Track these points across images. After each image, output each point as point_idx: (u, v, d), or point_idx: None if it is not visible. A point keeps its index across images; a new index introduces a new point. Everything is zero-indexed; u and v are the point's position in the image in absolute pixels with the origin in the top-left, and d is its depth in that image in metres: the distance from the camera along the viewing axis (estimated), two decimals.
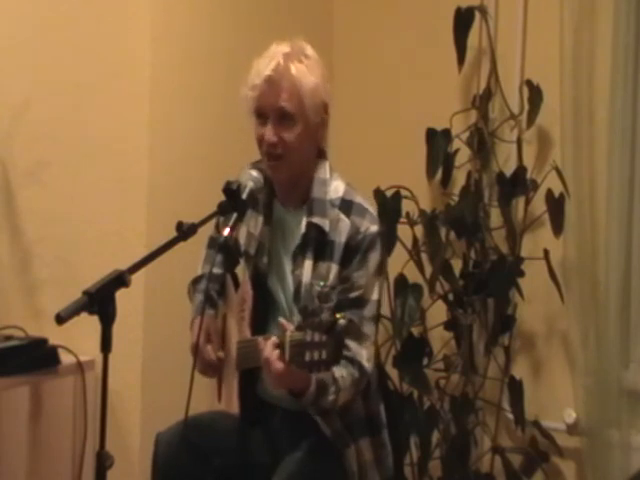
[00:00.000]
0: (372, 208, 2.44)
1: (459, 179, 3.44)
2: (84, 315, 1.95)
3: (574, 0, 3.20)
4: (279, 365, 2.15)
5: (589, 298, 3.20)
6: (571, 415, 3.27)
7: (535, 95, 3.30)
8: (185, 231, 2.17)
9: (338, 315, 2.09)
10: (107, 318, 1.96)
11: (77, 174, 3.20)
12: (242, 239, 2.54)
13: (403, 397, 3.31)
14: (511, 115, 3.35)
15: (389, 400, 2.58)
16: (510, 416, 3.33)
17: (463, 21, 3.31)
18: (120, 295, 1.98)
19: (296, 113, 2.32)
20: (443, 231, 3.35)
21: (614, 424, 3.18)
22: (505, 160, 3.40)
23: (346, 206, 2.39)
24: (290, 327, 2.15)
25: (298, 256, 2.40)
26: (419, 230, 3.36)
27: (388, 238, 3.12)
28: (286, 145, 2.34)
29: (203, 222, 2.26)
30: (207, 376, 2.52)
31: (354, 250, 2.35)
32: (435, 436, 3.31)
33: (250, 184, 2.36)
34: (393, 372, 3.29)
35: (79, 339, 2.88)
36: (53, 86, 3.21)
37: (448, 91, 3.51)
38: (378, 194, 3.26)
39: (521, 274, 3.27)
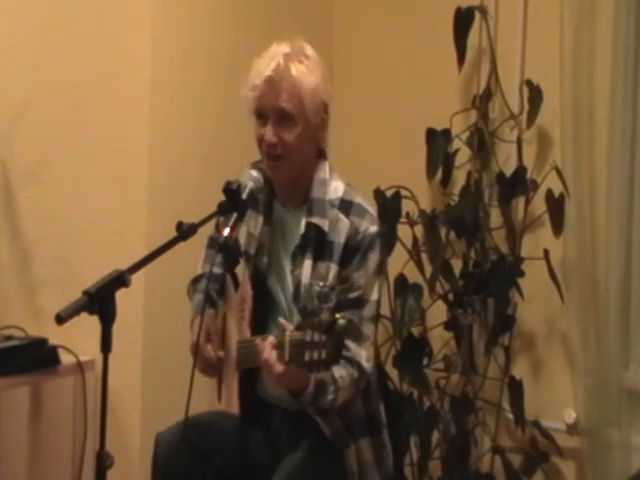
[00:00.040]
0: (372, 208, 2.44)
1: (459, 179, 3.44)
2: (84, 315, 1.95)
3: (574, 0, 3.20)
4: (279, 366, 2.15)
5: (589, 298, 3.20)
6: (571, 415, 3.27)
7: (535, 95, 3.30)
8: (185, 231, 2.17)
9: (338, 315, 2.09)
10: (107, 318, 1.96)
11: (77, 174, 3.20)
12: (242, 239, 2.54)
13: (403, 397, 3.31)
14: (511, 115, 3.35)
15: (389, 400, 2.58)
16: (510, 416, 3.33)
17: (463, 21, 3.31)
18: (120, 295, 1.98)
19: (296, 113, 2.32)
20: (443, 231, 3.35)
21: (614, 424, 3.18)
22: (505, 160, 3.41)
23: (345, 206, 2.39)
24: (290, 327, 2.15)
25: (297, 256, 2.40)
26: (419, 230, 3.36)
27: (388, 238, 3.12)
28: (286, 145, 2.34)
29: (203, 222, 2.26)
30: (207, 375, 2.52)
31: (353, 250, 2.35)
32: (435, 436, 3.31)
33: (250, 184, 2.36)
34: (393, 372, 3.29)
35: (79, 339, 2.88)
36: (53, 86, 3.21)
37: (448, 91, 3.51)
38: (378, 194, 3.26)
39: (521, 274, 3.27)
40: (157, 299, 3.11)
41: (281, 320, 2.26)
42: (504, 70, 3.39)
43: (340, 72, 3.50)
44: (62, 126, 3.20)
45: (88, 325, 2.05)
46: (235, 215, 2.30)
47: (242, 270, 2.58)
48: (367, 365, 2.33)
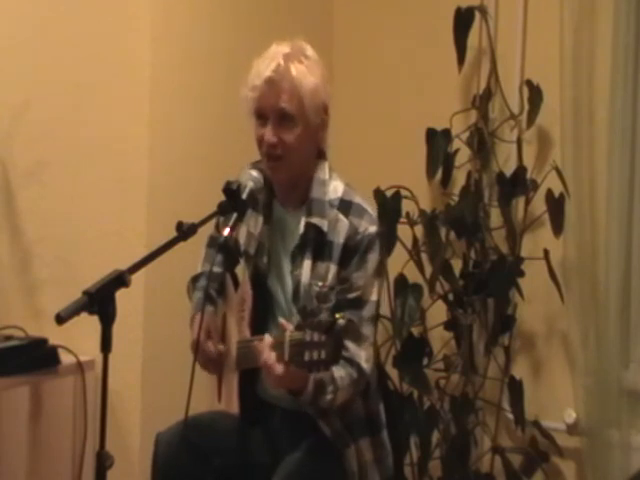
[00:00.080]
0: (371, 208, 2.43)
1: (459, 179, 3.44)
2: (84, 315, 1.95)
3: (574, 0, 3.20)
4: (279, 368, 2.15)
5: (589, 298, 3.20)
6: (571, 415, 3.27)
7: (535, 95, 3.30)
8: (185, 231, 2.18)
9: (337, 315, 2.09)
10: (107, 318, 1.96)
11: (77, 174, 3.20)
12: (242, 239, 2.54)
13: (403, 397, 3.31)
14: (511, 115, 3.35)
15: (389, 400, 2.58)
16: (510, 416, 3.33)
17: (463, 21, 3.31)
18: (120, 295, 1.98)
19: (296, 114, 2.32)
20: (443, 231, 3.35)
21: (614, 424, 3.18)
22: (505, 160, 3.40)
23: (345, 206, 2.39)
24: (290, 327, 2.15)
25: (297, 256, 2.40)
26: (419, 230, 3.36)
27: (388, 238, 3.13)
28: (286, 146, 2.34)
29: (203, 222, 2.26)
30: (208, 371, 2.51)
31: (353, 251, 2.35)
32: (435, 436, 3.31)
33: (250, 184, 2.36)
34: (393, 372, 3.29)
35: (79, 339, 2.88)
36: (53, 86, 3.21)
37: (448, 91, 3.51)
38: (378, 194, 3.26)
39: (521, 274, 3.27)
40: (157, 299, 3.11)
41: (281, 320, 2.26)
42: (504, 70, 3.39)
43: (340, 72, 3.50)
44: (62, 126, 3.21)
45: (88, 325, 2.05)
46: (235, 215, 2.30)
47: (242, 270, 2.58)
48: (366, 366, 2.33)
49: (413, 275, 3.33)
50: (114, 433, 2.51)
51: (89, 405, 3.03)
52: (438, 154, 3.37)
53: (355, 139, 3.62)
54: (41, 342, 3.02)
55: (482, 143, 3.35)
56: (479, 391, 3.36)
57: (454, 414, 3.28)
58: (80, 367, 3.02)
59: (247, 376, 2.42)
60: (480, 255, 3.33)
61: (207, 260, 2.66)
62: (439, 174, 3.42)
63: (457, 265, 3.35)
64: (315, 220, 2.37)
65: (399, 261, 3.31)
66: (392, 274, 3.29)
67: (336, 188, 2.42)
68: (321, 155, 2.45)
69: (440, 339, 3.43)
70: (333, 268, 2.36)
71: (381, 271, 2.44)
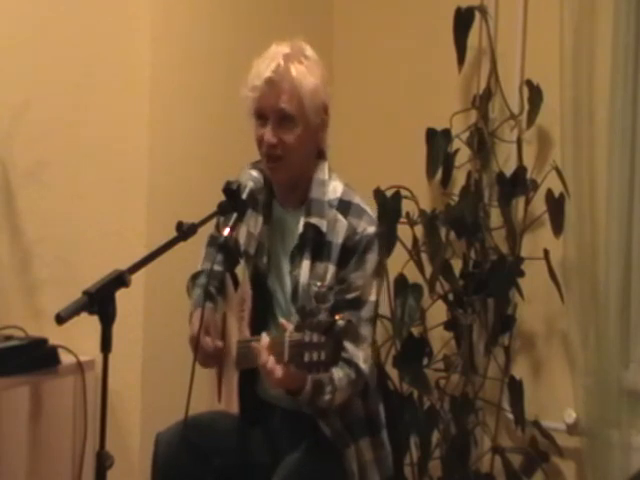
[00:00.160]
0: (370, 209, 2.43)
1: (459, 179, 3.44)
2: (84, 315, 1.95)
3: (574, 0, 3.20)
4: (278, 372, 2.15)
5: (589, 298, 3.20)
6: (571, 415, 3.27)
7: (535, 95, 3.30)
8: (185, 231, 2.18)
9: (337, 316, 2.09)
10: (107, 318, 1.96)
11: (77, 174, 3.20)
12: (242, 239, 2.54)
13: (403, 397, 3.31)
14: (511, 115, 3.35)
15: (389, 400, 2.58)
16: (510, 416, 3.33)
17: (463, 21, 3.31)
18: (120, 295, 1.98)
19: (296, 115, 2.32)
20: (443, 231, 3.35)
21: (614, 424, 3.18)
22: (505, 160, 3.41)
23: (344, 207, 2.39)
24: (290, 327, 2.15)
25: (296, 256, 2.40)
26: (419, 230, 3.36)
27: (388, 238, 3.13)
28: (286, 146, 2.34)
29: (203, 222, 2.26)
30: (207, 367, 2.51)
31: (351, 251, 2.35)
32: (435, 436, 3.31)
33: (250, 184, 2.36)
34: (393, 372, 3.29)
35: (79, 339, 2.88)
36: (53, 86, 3.21)
37: (448, 91, 3.51)
38: (378, 194, 3.26)
39: (521, 274, 3.27)
40: (157, 299, 3.11)
41: (282, 320, 2.26)
42: (504, 70, 3.39)
43: (340, 72, 3.50)
44: (62, 126, 3.21)
45: (88, 325, 2.05)
46: (235, 215, 2.30)
47: (242, 270, 2.58)
48: (364, 366, 2.33)
49: (413, 275, 3.33)
50: (114, 433, 2.51)
51: (89, 405, 3.03)
52: (438, 154, 3.37)
53: (355, 139, 3.62)
54: (41, 342, 3.02)
55: (482, 143, 3.35)
56: (479, 391, 3.36)
57: (454, 414, 3.28)
58: (80, 367, 3.02)
59: (247, 376, 2.42)
60: (480, 255, 3.33)
61: (207, 259, 2.66)
62: (439, 174, 3.42)
63: (457, 265, 3.35)
64: (314, 220, 2.37)
65: (399, 261, 3.31)
66: (392, 274, 3.29)
67: (335, 188, 2.42)
68: (321, 155, 2.45)
69: (440, 339, 3.43)
70: (332, 268, 2.36)
71: (380, 271, 2.44)
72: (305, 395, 2.24)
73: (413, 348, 3.30)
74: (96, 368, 3.05)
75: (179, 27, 3.20)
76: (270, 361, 2.16)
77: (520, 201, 3.35)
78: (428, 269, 3.33)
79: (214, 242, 2.67)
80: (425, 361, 3.32)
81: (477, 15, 3.35)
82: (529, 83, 3.32)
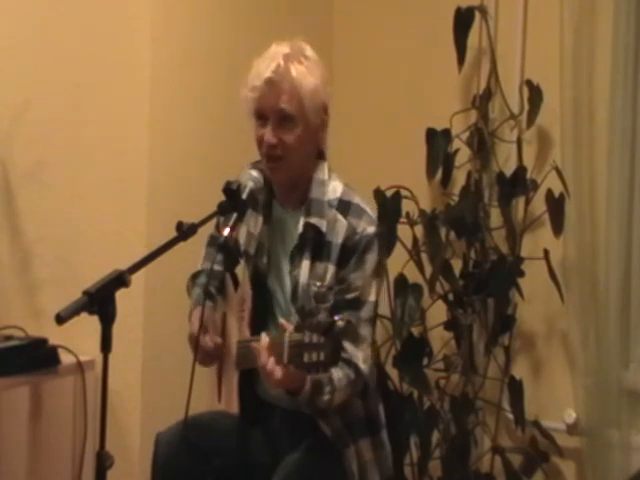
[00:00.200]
0: (370, 209, 2.43)
1: (459, 179, 3.44)
2: (84, 315, 1.95)
3: (574, 0, 3.20)
4: (277, 373, 2.15)
5: (589, 298, 3.20)
6: (571, 415, 3.27)
7: (535, 95, 3.30)
8: (185, 231, 2.18)
9: (336, 317, 2.09)
10: (107, 318, 1.96)
11: (77, 174, 3.20)
12: (242, 239, 2.54)
13: (403, 397, 3.31)
14: (511, 115, 3.35)
15: (389, 400, 2.58)
16: (510, 416, 3.33)
17: (463, 21, 3.31)
18: (120, 295, 1.98)
19: (296, 115, 2.32)
20: (443, 231, 3.35)
21: (614, 424, 3.18)
22: (505, 160, 3.41)
23: (343, 207, 2.39)
24: (290, 327, 2.15)
25: (296, 256, 2.40)
26: (419, 230, 3.36)
27: (388, 238, 3.13)
28: (286, 147, 2.34)
29: (203, 222, 2.26)
30: (207, 366, 2.51)
31: (351, 251, 2.35)
32: (435, 436, 3.31)
33: (250, 184, 2.36)
34: (393, 372, 3.29)
35: (79, 339, 2.88)
36: (53, 86, 3.21)
37: (448, 91, 3.51)
38: (378, 194, 3.26)
39: (521, 274, 3.27)
40: (157, 299, 3.11)
41: (282, 320, 2.26)
42: (504, 70, 3.39)
43: (340, 72, 3.50)
44: (62, 126, 3.21)
45: (88, 325, 2.05)
46: (235, 215, 2.30)
47: (242, 270, 2.58)
48: (364, 366, 2.33)
49: (413, 275, 3.33)
50: (114, 433, 2.51)
51: (89, 405, 3.03)
52: (438, 154, 3.37)
53: (355, 139, 3.62)
54: (41, 342, 3.02)
55: (482, 143, 3.35)
56: (479, 391, 3.36)
57: (454, 414, 3.28)
58: (80, 367, 3.02)
59: (247, 376, 2.42)
60: (480, 255, 3.33)
61: (207, 259, 2.66)
62: (439, 174, 3.42)
63: (457, 265, 3.35)
64: (314, 220, 2.37)
65: (399, 261, 3.31)
66: (392, 274, 3.29)
67: (335, 188, 2.41)
68: (320, 155, 2.45)
69: (440, 339, 3.43)
70: (331, 268, 2.36)
71: (380, 272, 2.44)
72: (304, 395, 2.25)
73: (413, 348, 3.30)
74: (96, 368, 3.05)
75: (179, 27, 3.20)
76: (270, 362, 2.16)
77: (520, 201, 3.35)
78: (428, 269, 3.33)
79: (214, 242, 2.67)
80: (425, 361, 3.32)
81: (477, 15, 3.35)
82: (529, 83, 3.32)
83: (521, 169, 3.31)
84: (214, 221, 2.56)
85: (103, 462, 1.97)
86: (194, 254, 2.67)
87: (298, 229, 2.39)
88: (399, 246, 3.31)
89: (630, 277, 3.26)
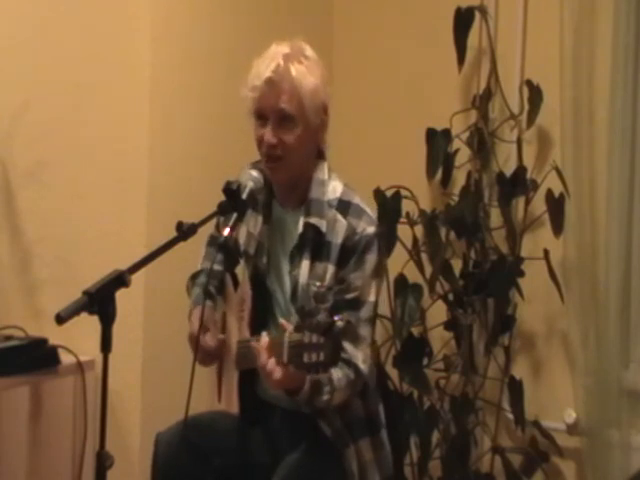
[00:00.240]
0: (370, 209, 2.43)
1: (459, 179, 3.44)
2: (84, 315, 1.95)
3: (574, 0, 3.20)
4: (277, 373, 2.15)
5: (589, 298, 3.20)
6: (571, 415, 3.27)
7: (535, 95, 3.30)
8: (185, 231, 2.18)
9: (336, 317, 2.09)
10: (107, 318, 1.96)
11: (77, 174, 3.20)
12: (242, 239, 2.54)
13: (403, 397, 3.31)
14: (511, 115, 3.35)
15: (389, 400, 2.58)
16: (510, 416, 3.33)
17: (463, 21, 3.31)
18: (120, 295, 1.98)
19: (296, 115, 2.32)
20: (443, 231, 3.35)
21: (614, 424, 3.18)
22: (505, 160, 3.41)
23: (343, 207, 2.39)
24: (290, 327, 2.15)
25: (295, 256, 2.40)
26: (419, 230, 3.36)
27: (388, 238, 3.13)
28: (286, 147, 2.33)
29: (203, 222, 2.26)
30: (207, 365, 2.51)
31: (350, 251, 2.34)
32: (435, 436, 3.31)
33: (250, 184, 2.36)
34: (393, 372, 3.29)
35: (79, 339, 2.88)
36: (53, 86, 3.21)
37: (448, 91, 3.51)
38: (378, 194, 3.26)
39: (521, 274, 3.27)
40: (157, 299, 3.12)
41: (282, 321, 2.26)
42: (504, 70, 3.39)
43: (340, 72, 3.50)
44: (62, 126, 3.21)
45: (88, 325, 2.05)
46: (235, 215, 2.30)
47: (242, 270, 2.58)
48: (364, 367, 2.32)
49: (413, 275, 3.33)
50: (114, 433, 2.51)
51: (89, 405, 3.03)
52: (438, 154, 3.37)
53: (355, 139, 3.62)
54: (41, 342, 3.02)
55: (482, 143, 3.35)
56: (479, 391, 3.36)
57: (454, 414, 3.28)
58: (80, 367, 3.02)
59: (247, 376, 2.42)
60: (480, 255, 3.33)
61: (207, 258, 2.66)
62: (439, 174, 3.42)
63: (457, 265, 3.35)
64: (314, 220, 2.37)
65: (399, 261, 3.31)
66: (392, 274, 3.29)
67: (335, 188, 2.41)
68: (320, 155, 2.45)
69: (440, 339, 3.43)
70: (331, 268, 2.36)
71: (380, 272, 2.43)
72: (303, 395, 2.24)
73: (413, 348, 3.30)
74: (96, 368, 3.06)
75: (179, 27, 3.20)
76: (270, 362, 2.16)
77: (520, 201, 3.35)
78: (428, 269, 3.33)
79: (214, 242, 2.67)
80: (425, 361, 3.32)
81: (477, 15, 3.35)
82: (529, 83, 3.32)
83: (521, 169, 3.31)
84: (214, 221, 2.56)
85: (103, 462, 1.97)
86: (194, 254, 2.67)
87: (298, 229, 2.39)
88: (399, 246, 3.31)
89: (630, 277, 3.26)
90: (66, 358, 3.03)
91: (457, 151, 3.42)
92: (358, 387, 2.37)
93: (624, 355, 3.26)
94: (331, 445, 2.39)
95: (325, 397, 2.28)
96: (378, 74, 3.70)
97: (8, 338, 3.02)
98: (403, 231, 3.32)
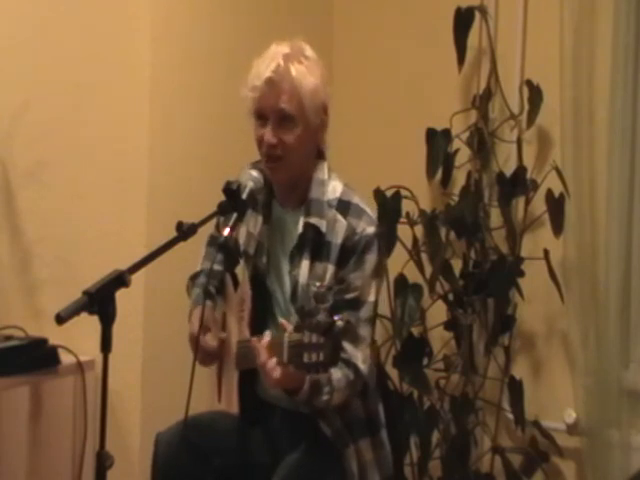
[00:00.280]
0: (370, 209, 2.43)
1: (459, 179, 3.44)
2: (84, 315, 1.95)
3: (574, 0, 3.20)
4: (277, 372, 2.15)
5: (589, 298, 3.20)
6: (571, 415, 3.27)
7: (535, 95, 3.30)
8: (185, 231, 2.18)
9: (336, 317, 2.09)
10: (107, 318, 1.96)
11: (77, 174, 3.20)
12: (242, 239, 2.54)
13: (403, 397, 3.31)
14: (511, 115, 3.35)
15: (389, 400, 2.58)
16: (510, 416, 3.33)
17: (463, 21, 3.31)
18: (120, 295, 1.98)
19: (296, 115, 2.32)
20: (443, 231, 3.35)
21: (614, 424, 3.18)
22: (505, 160, 3.41)
23: (343, 207, 2.39)
24: (290, 327, 2.15)
25: (295, 256, 2.40)
26: (419, 230, 3.36)
27: (388, 238, 3.13)
28: (286, 147, 2.33)
29: (203, 222, 2.26)
30: (207, 365, 2.51)
31: (350, 251, 2.34)
32: (435, 436, 3.31)
33: (250, 184, 2.36)
34: (393, 372, 3.29)
35: (79, 339, 2.88)
36: (53, 86, 3.21)
37: (448, 91, 3.51)
38: (378, 194, 3.26)
39: (521, 274, 3.27)
40: (157, 299, 3.12)
41: (282, 320, 2.26)
42: (504, 70, 3.39)
43: (340, 72, 3.50)
44: (62, 126, 3.21)
45: (88, 325, 2.05)
46: (235, 215, 2.30)
47: (242, 270, 2.58)
48: (363, 367, 2.33)
49: (413, 275, 3.33)
50: (114, 433, 2.51)
51: (89, 405, 3.03)
52: (438, 154, 3.37)
53: (355, 139, 3.62)
54: (41, 342, 3.02)
55: (482, 143, 3.35)
56: (479, 391, 3.36)
57: (454, 414, 3.28)
58: (80, 367, 3.02)
59: (247, 376, 2.42)
60: (480, 255, 3.33)
61: (207, 258, 2.66)
62: (439, 174, 3.42)
63: (457, 265, 3.35)
64: (313, 220, 2.37)
65: (399, 261, 3.31)
66: (392, 274, 3.29)
67: (335, 188, 2.41)
68: (320, 155, 2.45)
69: (440, 339, 3.43)
70: (331, 268, 2.36)
71: (379, 272, 2.43)
72: (303, 395, 2.25)
73: (413, 348, 3.30)
74: (96, 368, 3.06)
75: (179, 27, 3.20)
76: (269, 362, 2.16)
77: (520, 201, 3.35)
78: (428, 269, 3.33)
79: (214, 242, 2.67)
80: (425, 361, 3.32)
81: (477, 15, 3.35)
82: (529, 83, 3.32)
83: (521, 169, 3.31)
84: (214, 221, 2.56)
85: (103, 462, 1.97)
86: (194, 254, 2.67)
87: (298, 229, 2.39)
88: (399, 246, 3.31)
89: (630, 277, 3.26)
90: (66, 358, 3.03)
91: (457, 151, 3.42)
92: (358, 387, 2.37)
93: (624, 355, 3.26)
94: (331, 445, 2.39)
95: (325, 397, 2.28)
96: (378, 74, 3.70)
97: (8, 338, 3.02)
98: (403, 231, 3.32)
